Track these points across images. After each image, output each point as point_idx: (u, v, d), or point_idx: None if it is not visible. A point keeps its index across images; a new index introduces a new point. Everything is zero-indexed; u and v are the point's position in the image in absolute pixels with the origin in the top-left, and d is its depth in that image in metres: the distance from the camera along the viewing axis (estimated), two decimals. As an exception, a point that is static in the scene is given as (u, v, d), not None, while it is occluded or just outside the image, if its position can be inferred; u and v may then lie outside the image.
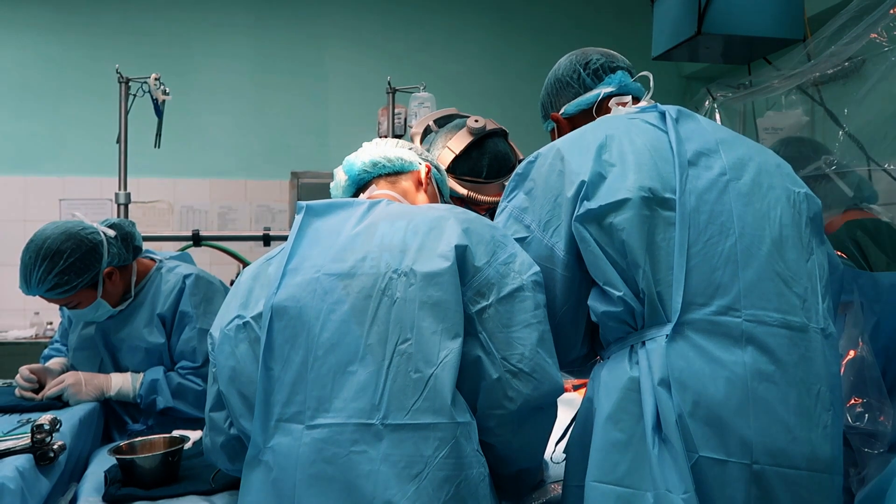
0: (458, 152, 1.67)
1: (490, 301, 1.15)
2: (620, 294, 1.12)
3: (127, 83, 2.83)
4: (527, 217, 1.25)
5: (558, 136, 1.41)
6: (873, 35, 1.57)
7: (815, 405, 1.11)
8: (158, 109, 2.81)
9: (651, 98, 1.41)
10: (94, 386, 1.94)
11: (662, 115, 1.27)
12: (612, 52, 1.49)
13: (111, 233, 1.98)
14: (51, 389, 1.91)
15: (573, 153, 1.21)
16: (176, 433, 1.67)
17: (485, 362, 1.14)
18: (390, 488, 1.07)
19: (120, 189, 2.83)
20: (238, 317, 1.23)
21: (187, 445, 1.58)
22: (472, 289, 1.16)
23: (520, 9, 5.22)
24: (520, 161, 1.75)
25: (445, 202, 1.54)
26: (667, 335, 1.09)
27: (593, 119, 1.37)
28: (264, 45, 4.88)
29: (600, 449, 1.11)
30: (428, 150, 1.73)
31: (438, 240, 1.18)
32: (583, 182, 1.16)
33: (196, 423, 1.92)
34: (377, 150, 1.46)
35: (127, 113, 2.82)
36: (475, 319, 1.15)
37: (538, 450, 1.25)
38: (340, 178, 1.46)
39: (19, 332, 4.16)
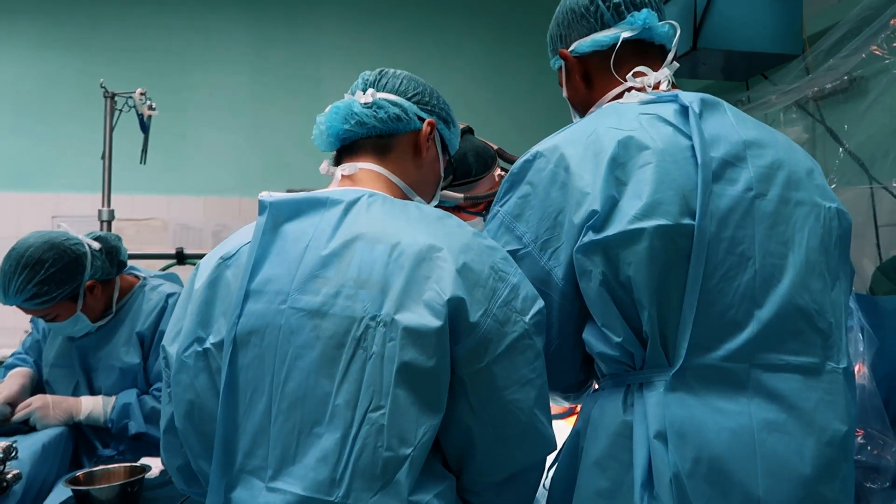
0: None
1: (485, 362, 0.98)
2: (619, 340, 0.99)
3: (112, 98, 2.78)
4: (520, 227, 1.08)
5: (566, 77, 1.24)
6: (873, 47, 1.50)
7: (837, 454, 0.99)
8: (144, 125, 2.76)
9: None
10: (63, 409, 1.86)
11: (684, 109, 1.07)
12: None
13: (96, 245, 1.91)
14: (18, 413, 1.83)
15: (581, 165, 1.03)
16: (142, 461, 1.59)
17: (474, 432, 1.01)
18: None
19: (104, 206, 2.78)
20: (197, 340, 1.06)
21: (152, 474, 1.51)
22: (465, 349, 0.98)
23: (515, 28, 5.20)
24: (497, 150, 1.69)
25: (450, 161, 1.33)
26: (666, 381, 0.96)
27: (608, 63, 1.17)
28: (260, 63, 4.85)
29: (585, 496, 1.01)
30: (456, 176, 1.66)
31: (427, 281, 0.97)
32: (593, 211, 0.99)
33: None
34: (370, 98, 1.20)
35: (112, 128, 2.77)
36: (466, 382, 0.99)
37: (529, 496, 1.11)
38: (322, 129, 1.25)
39: (8, 350, 4.08)
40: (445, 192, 1.62)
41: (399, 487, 0.94)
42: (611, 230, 0.98)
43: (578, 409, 1.78)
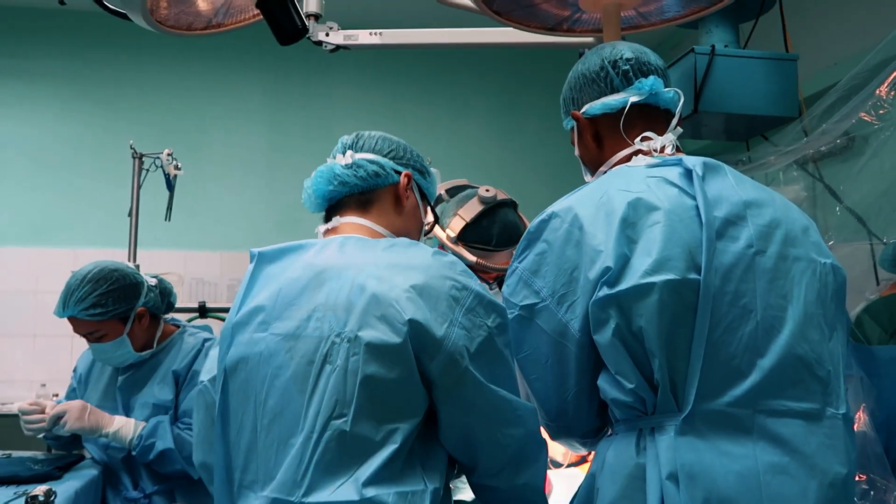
0: (469, 220, 1.71)
1: (464, 366, 1.09)
2: (632, 386, 1.06)
3: (140, 158, 2.92)
4: (538, 282, 1.16)
5: (578, 137, 1.33)
6: (862, 114, 1.61)
7: (839, 496, 1.05)
8: (170, 183, 2.89)
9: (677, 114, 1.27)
10: (95, 419, 1.96)
11: (688, 172, 1.15)
12: (644, 48, 1.31)
13: (152, 281, 2.11)
14: (54, 410, 1.95)
15: (594, 224, 1.11)
16: (171, 507, 1.65)
17: (474, 426, 1.13)
18: None
19: (130, 261, 2.88)
20: (199, 382, 1.24)
21: (182, 519, 1.57)
22: (440, 363, 1.09)
23: (523, 88, 5.35)
24: None
25: (430, 207, 1.43)
26: (676, 426, 1.03)
27: (617, 125, 1.25)
28: (275, 123, 5.01)
29: None
30: (438, 218, 1.75)
31: (387, 302, 1.08)
32: (607, 268, 1.06)
33: (193, 494, 1.90)
34: (349, 160, 1.33)
35: (139, 187, 2.90)
36: (451, 388, 1.10)
37: (539, 485, 1.24)
38: (308, 192, 1.36)
39: (21, 403, 4.14)
40: (462, 251, 1.70)
41: (357, 483, 1.04)
42: (624, 285, 1.05)
43: (590, 457, 1.84)
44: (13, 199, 4.56)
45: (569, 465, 1.82)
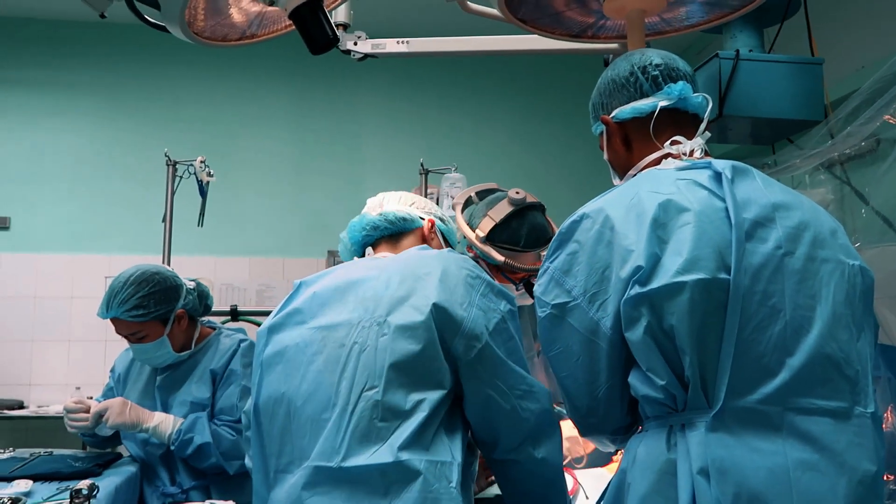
0: (498, 220, 1.75)
1: (483, 341, 1.24)
2: (663, 383, 1.09)
3: (174, 165, 2.99)
4: (569, 281, 1.19)
5: (607, 141, 1.37)
6: (887, 117, 1.62)
7: (868, 494, 1.06)
8: (203, 190, 2.96)
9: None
10: (136, 414, 2.03)
11: (717, 175, 1.18)
12: (672, 55, 1.35)
13: (191, 284, 2.20)
14: (96, 408, 2.02)
15: (625, 225, 1.14)
16: (209, 503, 1.70)
17: (496, 398, 1.24)
18: None
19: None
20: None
21: (219, 514, 1.61)
22: (464, 338, 1.23)
23: (547, 95, 5.38)
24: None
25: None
26: (707, 422, 1.05)
27: (646, 129, 1.29)
28: (303, 130, 5.09)
29: None
30: (469, 220, 1.81)
31: (414, 291, 1.26)
32: (639, 267, 1.09)
33: (228, 491, 1.95)
34: (378, 211, 1.52)
35: (173, 194, 2.97)
36: (474, 363, 1.23)
37: (558, 462, 1.32)
38: (345, 240, 1.55)
39: (60, 406, 4.23)
40: (490, 250, 1.74)
41: (392, 447, 1.15)
42: (655, 283, 1.08)
43: (616, 457, 1.86)
44: (51, 207, 4.68)
45: (594, 465, 1.84)
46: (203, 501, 1.69)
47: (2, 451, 2.15)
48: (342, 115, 5.14)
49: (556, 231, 1.82)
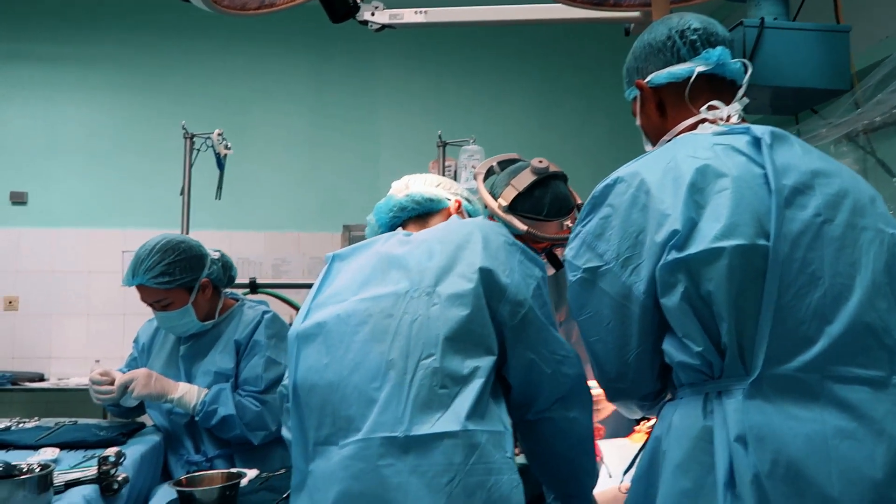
0: (521, 190, 1.73)
1: (526, 307, 1.24)
2: (699, 350, 1.08)
3: (191, 138, 2.98)
4: (601, 245, 1.18)
5: (640, 106, 1.34)
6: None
7: None
8: (220, 163, 2.95)
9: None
10: (161, 385, 2.04)
11: (756, 141, 1.15)
12: (712, 20, 1.32)
13: (215, 255, 2.22)
14: (121, 379, 2.02)
15: (661, 189, 1.12)
16: (234, 470, 1.72)
17: (538, 362, 1.25)
18: (422, 499, 1.10)
19: (182, 238, 2.96)
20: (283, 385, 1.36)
21: (243, 482, 1.63)
22: (508, 304, 1.23)
23: (565, 67, 5.34)
24: (578, 205, 1.79)
25: None
26: (744, 389, 1.05)
27: (682, 95, 1.27)
28: (318, 104, 5.07)
29: (668, 496, 1.08)
30: (491, 189, 1.79)
31: (458, 259, 1.26)
32: (675, 231, 1.08)
33: (252, 460, 1.97)
34: (404, 193, 1.51)
35: (191, 166, 2.97)
36: (518, 328, 1.24)
37: (588, 423, 1.33)
38: (372, 223, 1.54)
39: (80, 379, 4.29)
40: (513, 219, 1.73)
41: (457, 415, 1.15)
42: (693, 249, 1.07)
43: (644, 426, 1.86)
44: (67, 182, 4.70)
45: (619, 435, 1.84)
46: (227, 469, 1.71)
47: (27, 420, 2.17)
48: (358, 88, 5.12)
49: (579, 200, 1.83)
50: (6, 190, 4.63)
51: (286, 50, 5.03)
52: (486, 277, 1.23)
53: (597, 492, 1.39)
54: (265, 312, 2.20)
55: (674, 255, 1.08)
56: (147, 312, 2.19)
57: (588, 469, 1.36)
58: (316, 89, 5.08)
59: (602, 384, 1.25)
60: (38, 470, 1.40)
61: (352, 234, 4.48)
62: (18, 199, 4.64)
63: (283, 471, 1.80)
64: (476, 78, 5.23)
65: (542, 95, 5.30)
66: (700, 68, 1.25)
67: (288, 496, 1.55)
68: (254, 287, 2.83)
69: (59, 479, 1.46)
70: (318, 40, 4.97)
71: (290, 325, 2.23)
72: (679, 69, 1.28)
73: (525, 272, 1.29)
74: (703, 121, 1.26)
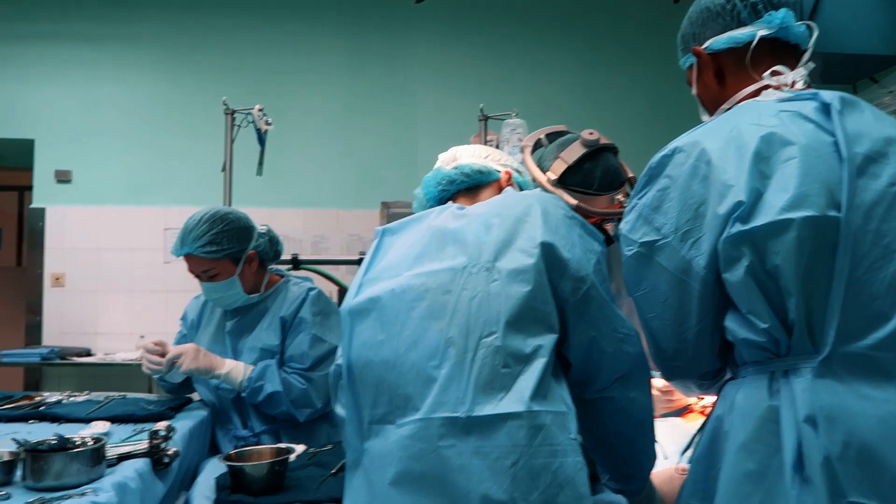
0: (571, 162, 1.68)
1: (589, 282, 1.20)
2: (765, 327, 1.04)
3: (232, 114, 2.98)
4: (658, 219, 1.13)
5: (697, 74, 1.29)
6: None
7: None
8: (261, 138, 2.95)
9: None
10: (208, 361, 2.06)
11: (825, 107, 1.09)
12: None
13: (262, 229, 2.23)
14: (171, 353, 2.04)
15: (724, 158, 1.07)
16: (283, 445, 1.72)
17: (599, 340, 1.21)
18: (485, 481, 1.07)
19: (224, 215, 2.97)
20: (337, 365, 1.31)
21: (292, 457, 1.62)
22: (570, 279, 1.19)
23: (606, 40, 5.24)
24: (630, 179, 1.74)
25: None
26: (813, 368, 1.00)
27: (742, 61, 1.21)
28: (355, 80, 5.04)
29: (732, 478, 1.05)
30: (539, 163, 1.75)
31: (517, 233, 1.21)
32: (739, 202, 1.03)
33: (298, 436, 1.98)
34: (452, 165, 1.46)
35: (232, 142, 2.97)
36: (580, 304, 1.19)
37: (648, 404, 1.29)
38: (420, 197, 1.50)
39: (126, 354, 4.37)
40: (562, 193, 1.68)
41: (521, 395, 1.11)
42: (758, 221, 1.02)
43: (696, 405, 1.81)
44: (110, 160, 4.75)
45: (669, 414, 1.80)
46: (274, 444, 1.71)
47: (77, 394, 2.21)
48: (396, 63, 5.07)
49: (630, 174, 1.77)
50: (52, 169, 4.69)
51: (324, 25, 5.00)
52: (548, 252, 1.19)
53: (651, 472, 1.36)
54: (310, 289, 2.20)
55: (738, 227, 1.03)
56: (190, 289, 2.20)
57: (647, 450, 1.32)
58: (352, 64, 5.05)
59: (658, 362, 1.21)
60: (91, 443, 1.41)
61: (390, 211, 4.46)
62: (63, 178, 4.70)
63: (330, 447, 1.80)
64: (516, 49, 5.15)
65: (585, 66, 5.21)
66: (762, 32, 1.20)
67: (336, 472, 1.55)
68: (296, 263, 2.83)
69: (111, 452, 1.47)
70: (356, 17, 4.94)
71: (334, 301, 2.23)
72: (739, 33, 1.22)
73: (586, 246, 1.24)
74: (766, 87, 1.20)
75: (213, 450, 2.10)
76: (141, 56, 4.83)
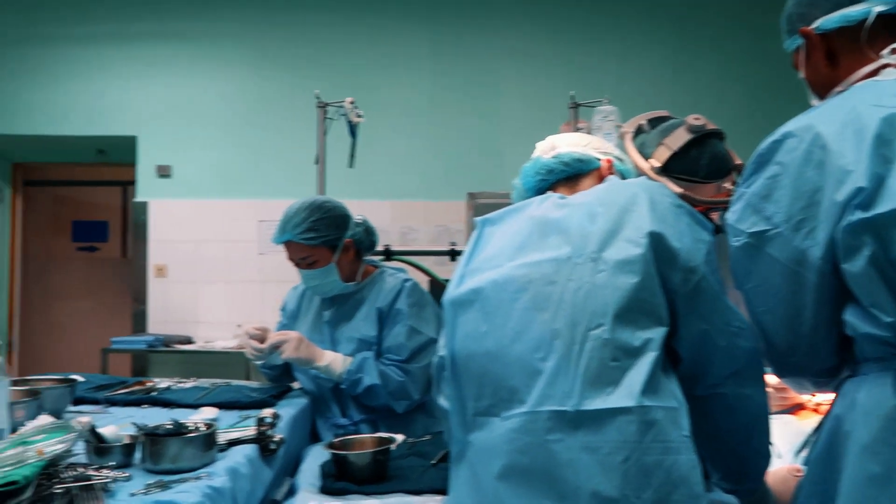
0: (675, 149, 1.62)
1: (700, 273, 1.15)
2: (890, 320, 0.98)
3: (325, 107, 3.03)
4: (769, 208, 1.08)
5: (806, 57, 1.22)
6: None
7: None
8: (353, 131, 2.99)
9: None
10: (309, 351, 2.10)
11: None
12: None
13: (358, 218, 2.26)
14: (273, 339, 2.10)
15: (840, 142, 1.01)
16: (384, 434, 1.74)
17: (711, 333, 1.17)
18: (595, 477, 1.05)
19: (318, 207, 3.03)
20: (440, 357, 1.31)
21: (392, 446, 1.64)
22: (680, 270, 1.15)
23: (698, 19, 5.06)
24: (737, 166, 1.67)
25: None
26: None
27: (855, 40, 1.14)
28: (440, 71, 5.05)
29: (854, 482, 1.00)
30: (640, 149, 1.70)
31: (624, 223, 1.18)
32: (860, 189, 0.98)
33: (396, 426, 2.00)
34: (551, 154, 1.43)
35: (325, 135, 3.02)
36: (691, 296, 1.15)
37: (764, 402, 1.24)
38: (519, 187, 1.47)
39: (224, 342, 4.54)
40: (667, 182, 1.63)
41: (631, 390, 1.08)
42: (881, 208, 0.96)
43: (809, 402, 1.73)
44: (207, 154, 4.92)
45: (781, 412, 1.73)
46: (373, 433, 1.73)
47: (185, 380, 2.30)
48: (480, 53, 5.05)
49: (738, 161, 1.70)
50: (153, 164, 4.90)
51: (406, 16, 5.03)
52: (656, 242, 1.15)
53: (765, 472, 1.31)
54: (406, 280, 2.22)
55: (858, 215, 0.97)
56: (284, 279, 2.24)
57: (762, 450, 1.27)
58: (435, 54, 5.05)
59: (771, 359, 1.16)
60: (204, 429, 1.47)
61: (477, 202, 4.45)
62: (164, 173, 4.90)
63: (428, 437, 1.81)
64: (601, 40, 5.04)
65: (673, 58, 5.04)
66: (878, 8, 1.12)
67: (437, 462, 1.56)
68: (388, 254, 2.86)
69: (221, 437, 1.52)
70: (438, 10, 4.93)
71: (427, 292, 2.24)
72: (853, 11, 1.15)
73: (695, 236, 1.19)
74: (886, 66, 1.12)
75: (314, 437, 2.15)
76: (235, 53, 4.98)
